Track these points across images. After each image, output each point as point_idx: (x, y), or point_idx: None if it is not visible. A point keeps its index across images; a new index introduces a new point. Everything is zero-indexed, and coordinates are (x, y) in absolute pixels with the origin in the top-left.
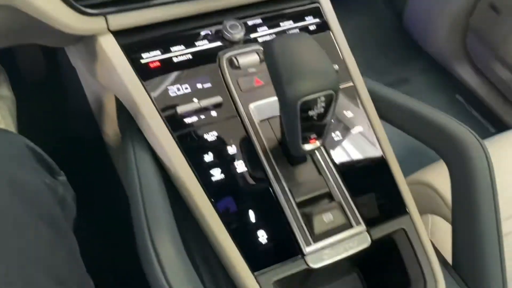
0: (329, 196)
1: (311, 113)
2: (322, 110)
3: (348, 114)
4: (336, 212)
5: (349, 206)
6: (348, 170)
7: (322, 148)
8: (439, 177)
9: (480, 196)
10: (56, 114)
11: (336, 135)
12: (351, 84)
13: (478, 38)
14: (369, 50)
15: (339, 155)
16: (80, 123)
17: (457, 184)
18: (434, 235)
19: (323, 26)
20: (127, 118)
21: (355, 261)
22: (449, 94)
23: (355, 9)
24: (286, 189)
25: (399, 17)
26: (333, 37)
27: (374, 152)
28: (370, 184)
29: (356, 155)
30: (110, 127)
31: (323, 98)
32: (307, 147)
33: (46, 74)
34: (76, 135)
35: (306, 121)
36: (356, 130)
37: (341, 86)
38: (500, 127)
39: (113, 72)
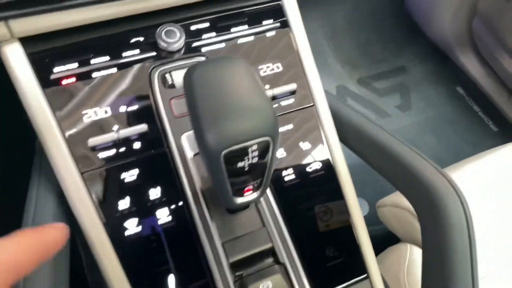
0: (273, 253)
1: (240, 164)
2: (255, 160)
3: (305, 145)
4: (278, 279)
5: (295, 269)
6: (298, 221)
7: (268, 191)
8: None
9: (455, 261)
10: None
11: (287, 173)
12: (311, 104)
13: (485, 25)
14: (365, 34)
15: (290, 201)
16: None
17: (428, 240)
18: (412, 267)
19: (285, 34)
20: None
21: None
22: (449, 86)
23: None
24: (218, 245)
25: None
26: (294, 46)
27: (333, 196)
28: (324, 239)
29: (311, 201)
30: None
31: (255, 147)
32: (240, 200)
33: None
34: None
35: (235, 173)
36: (313, 166)
37: (299, 107)
38: (502, 124)
39: (17, 88)
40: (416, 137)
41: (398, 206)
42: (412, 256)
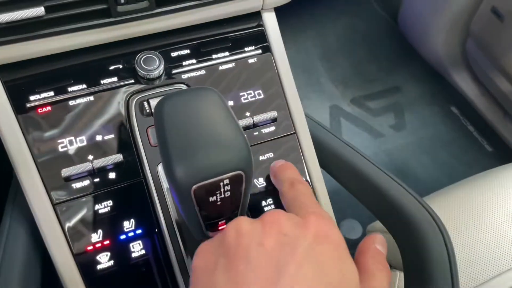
0: None
1: (212, 199)
2: (227, 194)
3: None
4: None
5: None
6: None
7: None
8: None
9: None
10: None
11: (267, 204)
12: (292, 132)
13: (479, 45)
14: (358, 54)
15: None
16: None
17: (409, 272)
18: None
19: (267, 61)
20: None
21: None
22: (444, 105)
23: (346, 9)
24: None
25: (394, 18)
26: (276, 72)
27: None
28: None
29: None
30: None
31: (227, 181)
32: (214, 234)
33: None
34: None
35: (207, 207)
36: None
37: (280, 135)
38: (497, 144)
39: None
40: (410, 157)
41: (387, 232)
42: (401, 283)
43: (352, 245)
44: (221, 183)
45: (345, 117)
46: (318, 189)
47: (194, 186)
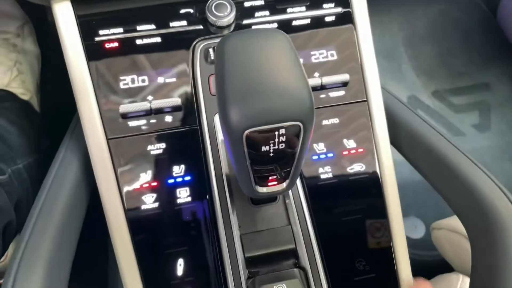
0: (294, 255)
1: (265, 148)
2: (282, 146)
3: (349, 143)
4: (295, 284)
5: (316, 277)
6: (329, 225)
7: (299, 187)
8: None
9: None
10: None
11: (324, 171)
12: (363, 99)
13: None
14: (448, 44)
15: (323, 200)
16: None
17: (478, 276)
18: None
19: (346, 19)
20: None
21: None
22: None
23: None
24: (235, 236)
25: (492, 10)
26: (355, 36)
27: (373, 202)
28: (356, 250)
29: (347, 206)
30: None
31: (283, 131)
32: (263, 190)
33: None
34: None
35: (259, 158)
36: (355, 167)
37: (350, 101)
38: None
39: (62, 47)
40: (491, 162)
41: (455, 231)
42: (464, 285)
43: (413, 244)
44: (277, 132)
45: (423, 110)
46: (385, 165)
47: (247, 131)
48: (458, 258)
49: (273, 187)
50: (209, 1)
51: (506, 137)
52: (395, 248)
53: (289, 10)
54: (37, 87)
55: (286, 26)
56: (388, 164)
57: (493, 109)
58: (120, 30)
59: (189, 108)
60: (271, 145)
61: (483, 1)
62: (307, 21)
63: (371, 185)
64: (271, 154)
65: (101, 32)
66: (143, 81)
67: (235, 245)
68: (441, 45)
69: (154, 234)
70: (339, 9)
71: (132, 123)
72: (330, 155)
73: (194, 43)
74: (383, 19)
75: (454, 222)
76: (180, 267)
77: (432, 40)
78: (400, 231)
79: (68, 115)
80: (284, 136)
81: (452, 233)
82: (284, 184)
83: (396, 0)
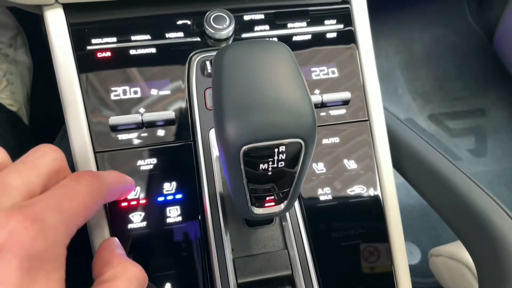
0: (290, 282)
1: (263, 166)
2: (281, 164)
3: (350, 163)
4: None
5: None
6: (327, 250)
7: (296, 209)
8: None
9: None
10: None
11: (323, 192)
12: (365, 119)
13: None
14: (444, 68)
15: (322, 223)
16: None
17: None
18: None
19: (348, 36)
20: None
21: None
22: None
23: (437, 18)
24: (228, 260)
25: (489, 36)
26: (357, 53)
27: (374, 226)
28: (355, 279)
29: (347, 227)
30: None
31: (283, 149)
32: (260, 210)
33: None
34: None
35: (256, 177)
36: (356, 189)
37: (351, 120)
38: None
39: (52, 54)
40: (488, 188)
41: (454, 258)
42: None
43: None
44: (276, 150)
45: (419, 133)
46: (386, 188)
47: (244, 147)
48: (457, 286)
49: (270, 208)
50: (207, 13)
51: (501, 163)
52: (397, 276)
53: (289, 25)
54: (27, 98)
55: (286, 41)
56: (390, 186)
57: (489, 135)
58: (114, 39)
59: (183, 122)
60: (270, 163)
61: (480, 27)
62: (308, 36)
63: (372, 208)
64: (270, 173)
65: (93, 41)
66: (135, 92)
67: (227, 270)
68: (437, 70)
69: (141, 255)
70: (341, 26)
71: (122, 136)
72: (329, 175)
73: (190, 55)
74: (380, 43)
75: (453, 249)
76: None
77: (428, 64)
78: (402, 257)
79: (59, 128)
80: (284, 154)
81: (451, 260)
82: (282, 206)
83: (394, 24)
